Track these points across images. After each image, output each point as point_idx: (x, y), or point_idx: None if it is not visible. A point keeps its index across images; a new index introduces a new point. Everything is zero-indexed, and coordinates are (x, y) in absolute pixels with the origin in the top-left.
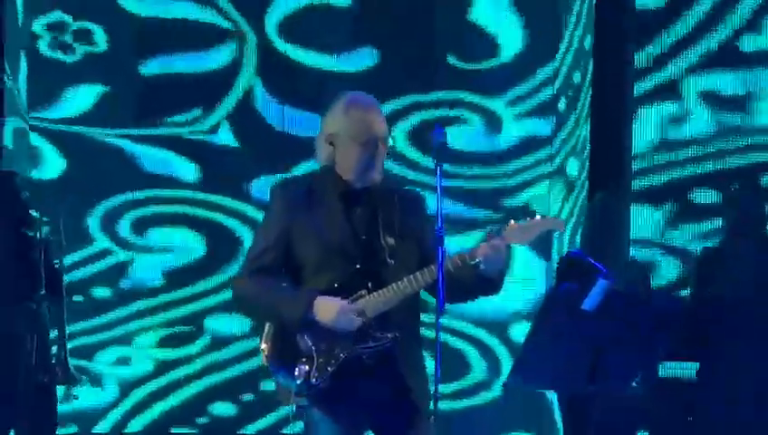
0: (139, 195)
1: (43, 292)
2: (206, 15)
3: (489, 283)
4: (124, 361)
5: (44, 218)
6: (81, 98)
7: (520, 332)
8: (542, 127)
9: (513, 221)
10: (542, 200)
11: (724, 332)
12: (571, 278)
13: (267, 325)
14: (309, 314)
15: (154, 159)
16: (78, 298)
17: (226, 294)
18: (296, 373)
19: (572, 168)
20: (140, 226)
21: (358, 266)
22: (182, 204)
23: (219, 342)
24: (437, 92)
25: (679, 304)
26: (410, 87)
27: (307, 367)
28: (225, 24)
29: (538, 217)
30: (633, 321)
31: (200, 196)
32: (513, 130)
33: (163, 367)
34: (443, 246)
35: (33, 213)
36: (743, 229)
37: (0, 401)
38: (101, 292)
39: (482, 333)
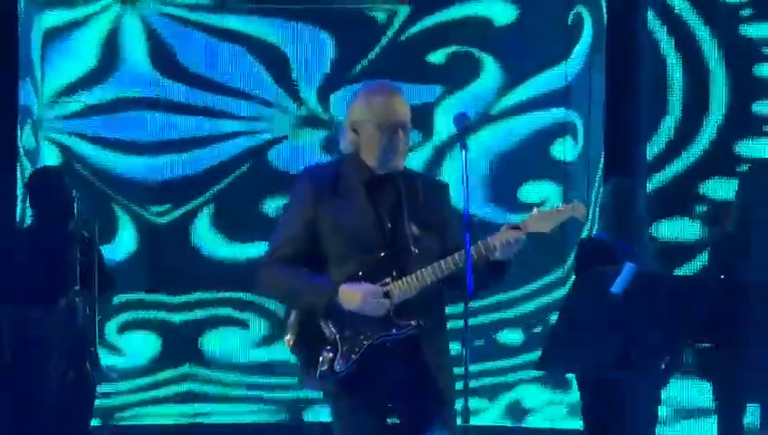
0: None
1: (77, 287)
2: None
3: (499, 267)
4: None
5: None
6: None
7: None
8: None
9: (535, 210)
10: None
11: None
12: (598, 262)
13: (292, 315)
14: (334, 302)
15: None
16: None
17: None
18: (320, 360)
19: None
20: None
21: (382, 254)
22: None
23: None
24: None
25: (705, 285)
26: None
27: (331, 354)
28: None
29: (559, 205)
30: (661, 303)
31: None
32: None
33: None
34: (470, 231)
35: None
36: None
37: (31, 398)
38: None
39: None
